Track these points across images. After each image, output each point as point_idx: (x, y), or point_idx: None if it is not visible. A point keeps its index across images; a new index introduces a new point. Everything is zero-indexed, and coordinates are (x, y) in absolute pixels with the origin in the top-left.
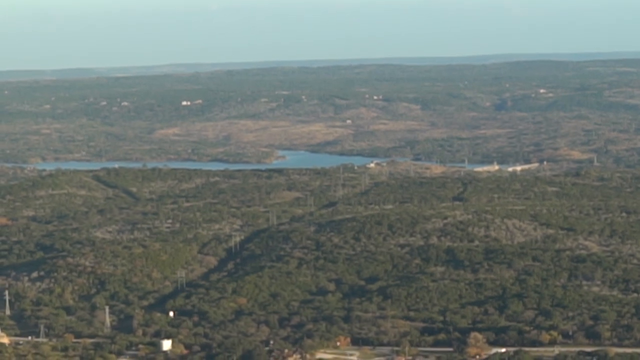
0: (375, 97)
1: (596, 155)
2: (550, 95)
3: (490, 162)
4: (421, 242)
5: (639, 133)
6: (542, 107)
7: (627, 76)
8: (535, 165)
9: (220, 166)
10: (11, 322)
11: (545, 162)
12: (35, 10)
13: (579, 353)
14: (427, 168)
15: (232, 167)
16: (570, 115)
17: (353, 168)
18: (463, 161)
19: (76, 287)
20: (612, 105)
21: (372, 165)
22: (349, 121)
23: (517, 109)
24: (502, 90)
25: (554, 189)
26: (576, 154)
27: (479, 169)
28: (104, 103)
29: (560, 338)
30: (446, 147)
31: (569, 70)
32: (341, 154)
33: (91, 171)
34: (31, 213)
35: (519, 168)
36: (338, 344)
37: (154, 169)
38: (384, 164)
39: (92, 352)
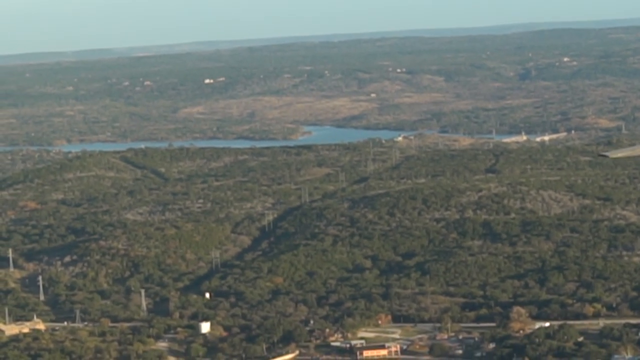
0: (398, 70)
1: (624, 123)
2: (574, 63)
3: (518, 133)
4: (457, 216)
5: None
6: (566, 75)
7: None
8: (563, 134)
9: (246, 144)
10: (46, 308)
11: (573, 131)
12: None
13: (625, 325)
14: (455, 140)
15: (258, 144)
16: (596, 83)
17: (381, 142)
18: (490, 132)
19: (110, 271)
20: (637, 72)
21: (400, 138)
22: (373, 95)
23: (542, 78)
24: (525, 60)
25: (586, 158)
26: (604, 122)
27: (507, 139)
28: (126, 83)
29: (604, 310)
30: (472, 119)
31: (591, 37)
32: (367, 128)
33: (118, 152)
34: (60, 196)
35: (546, 138)
36: (379, 322)
37: (181, 149)
38: (412, 137)
39: (130, 336)
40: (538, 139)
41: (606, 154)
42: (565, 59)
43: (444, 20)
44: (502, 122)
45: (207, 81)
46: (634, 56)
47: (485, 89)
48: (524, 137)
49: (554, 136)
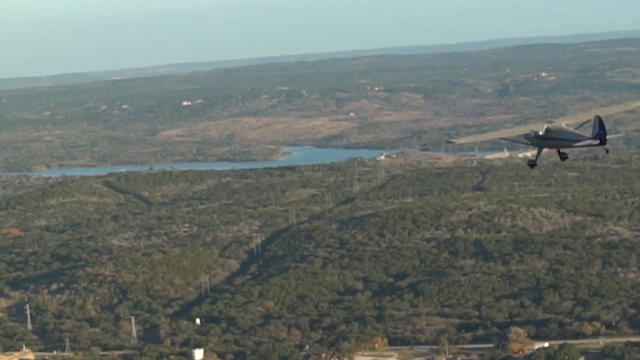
0: (376, 89)
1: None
2: (553, 78)
3: (500, 149)
4: (447, 235)
5: None
6: (545, 90)
7: (628, 56)
8: (545, 150)
9: (227, 165)
10: (34, 337)
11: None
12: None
13: (627, 344)
14: (437, 158)
15: (239, 165)
16: (575, 97)
17: (364, 162)
18: (472, 149)
19: (98, 298)
20: (615, 86)
21: (382, 157)
22: (352, 114)
23: (520, 94)
24: (503, 76)
25: (574, 174)
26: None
27: (489, 156)
28: (103, 107)
29: (603, 329)
30: (453, 136)
31: (568, 52)
32: (347, 147)
33: (100, 177)
34: (43, 223)
35: (529, 154)
36: (375, 345)
37: (163, 172)
38: (394, 156)
39: None
40: (521, 155)
41: (453, 140)
42: (543, 74)
43: (418, 37)
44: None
45: (184, 103)
46: (611, 70)
47: (464, 106)
48: (507, 154)
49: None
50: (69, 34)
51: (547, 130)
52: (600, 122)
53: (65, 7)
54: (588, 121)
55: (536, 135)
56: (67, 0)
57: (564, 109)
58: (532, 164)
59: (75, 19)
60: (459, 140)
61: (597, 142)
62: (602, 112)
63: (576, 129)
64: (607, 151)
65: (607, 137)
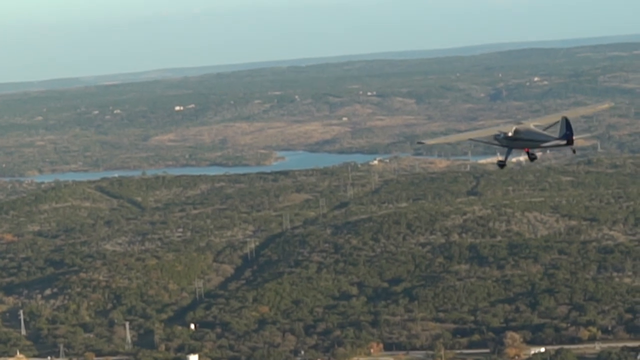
0: (368, 93)
1: (599, 142)
2: (545, 83)
3: (493, 154)
4: (442, 240)
5: (639, 117)
6: (537, 95)
7: (619, 60)
8: (538, 154)
9: (220, 170)
10: (28, 343)
11: (548, 151)
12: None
13: (623, 349)
14: (431, 162)
15: (232, 170)
16: (567, 102)
17: (357, 166)
18: (465, 154)
19: (92, 303)
20: (607, 91)
21: (375, 162)
22: (344, 119)
23: (513, 99)
24: (495, 81)
25: (568, 178)
26: (579, 142)
27: (483, 161)
28: (96, 112)
29: (599, 334)
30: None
31: (560, 57)
32: (340, 152)
33: (93, 182)
34: (36, 228)
35: (522, 158)
36: (371, 350)
37: (156, 177)
38: (387, 161)
39: None
40: (514, 160)
41: (423, 141)
42: (536, 79)
43: (411, 42)
44: (476, 144)
45: (177, 108)
46: (603, 75)
47: (457, 111)
48: (500, 158)
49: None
50: (61, 40)
51: (515, 132)
52: (567, 123)
53: (57, 13)
54: (556, 122)
55: (505, 137)
56: (59, 5)
57: (557, 113)
58: (501, 164)
59: (67, 25)
60: (429, 141)
61: (564, 142)
62: (569, 114)
63: (545, 130)
64: (574, 151)
65: (574, 137)
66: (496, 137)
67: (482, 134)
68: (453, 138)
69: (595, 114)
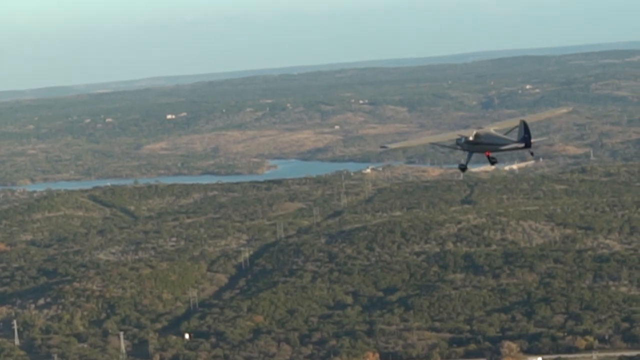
0: (360, 102)
1: (592, 150)
2: (537, 90)
3: (486, 162)
4: (437, 249)
5: (632, 125)
6: (529, 103)
7: (612, 68)
8: (531, 162)
9: (212, 179)
10: (21, 353)
11: (541, 159)
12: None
13: (620, 358)
14: (424, 171)
15: (224, 179)
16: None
17: (350, 175)
18: (458, 162)
19: (85, 313)
20: (600, 98)
21: (368, 170)
22: (337, 127)
23: (505, 106)
24: (487, 88)
25: (562, 186)
26: (571, 149)
27: (475, 169)
28: (87, 120)
29: (596, 343)
30: (438, 149)
31: (552, 65)
32: (333, 160)
33: (85, 191)
34: (29, 237)
35: (515, 166)
36: None
37: (149, 186)
38: (380, 169)
39: None
40: (507, 168)
41: (386, 145)
42: (528, 87)
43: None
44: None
45: (169, 116)
46: (595, 82)
47: (449, 119)
48: (492, 167)
49: (523, 164)
50: (52, 48)
51: (476, 136)
52: (525, 127)
53: (48, 21)
54: (515, 127)
55: (466, 141)
56: (51, 13)
57: (550, 121)
58: (462, 167)
59: (58, 33)
60: (392, 145)
61: (522, 145)
62: (528, 118)
63: (505, 134)
64: (532, 154)
65: (532, 140)
66: (457, 141)
67: (443, 138)
68: (415, 142)
69: (587, 122)
